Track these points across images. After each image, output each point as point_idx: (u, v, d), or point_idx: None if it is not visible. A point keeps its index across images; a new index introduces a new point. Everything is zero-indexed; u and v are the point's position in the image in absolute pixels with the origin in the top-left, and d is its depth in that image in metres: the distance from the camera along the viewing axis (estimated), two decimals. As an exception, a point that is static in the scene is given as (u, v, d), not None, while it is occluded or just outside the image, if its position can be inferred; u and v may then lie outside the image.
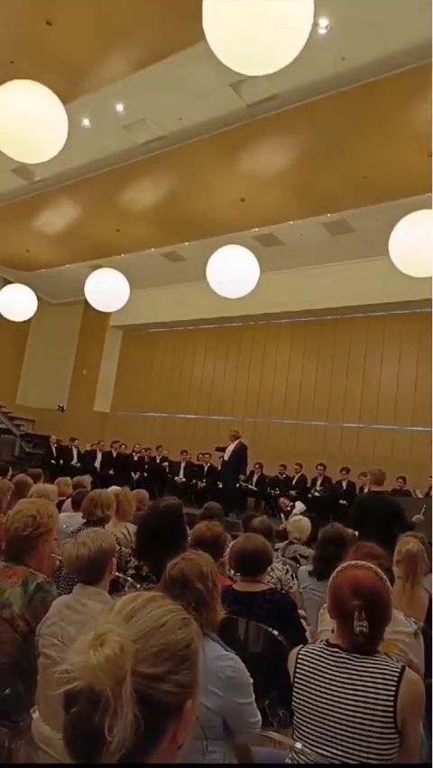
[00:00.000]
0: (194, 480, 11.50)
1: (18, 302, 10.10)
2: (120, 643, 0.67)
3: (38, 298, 10.39)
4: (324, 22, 6.33)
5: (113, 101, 8.17)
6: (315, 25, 5.86)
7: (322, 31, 6.42)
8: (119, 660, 0.66)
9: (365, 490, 7.82)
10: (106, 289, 8.81)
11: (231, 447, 10.38)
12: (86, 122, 8.59)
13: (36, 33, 6.97)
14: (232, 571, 2.96)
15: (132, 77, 7.60)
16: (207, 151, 8.75)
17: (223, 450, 10.86)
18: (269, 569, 3.06)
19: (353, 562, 1.74)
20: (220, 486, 10.77)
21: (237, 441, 10.41)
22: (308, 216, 10.16)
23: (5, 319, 10.79)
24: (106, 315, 14.12)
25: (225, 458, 10.33)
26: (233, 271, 7.66)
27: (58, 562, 3.06)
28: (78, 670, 0.65)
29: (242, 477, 10.70)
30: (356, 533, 3.98)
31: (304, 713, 1.60)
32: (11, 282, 12.88)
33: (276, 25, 3.66)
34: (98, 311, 10.17)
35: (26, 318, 10.90)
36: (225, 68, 4.14)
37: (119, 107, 8.29)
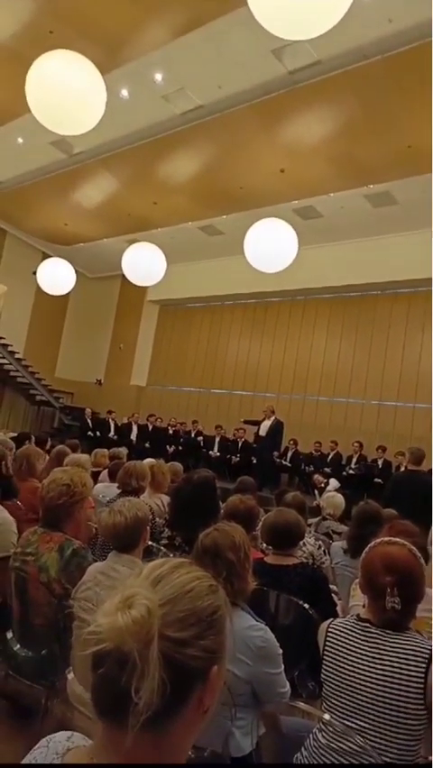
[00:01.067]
0: (228, 455, 11.58)
1: (57, 276, 10.23)
2: (147, 606, 0.68)
3: (76, 272, 10.48)
4: (371, -19, 6.06)
5: (151, 71, 8.04)
6: (361, -15, 5.65)
7: (369, -9, 6.15)
8: (146, 622, 0.67)
9: (402, 468, 7.71)
10: (143, 264, 8.81)
11: (267, 423, 10.41)
12: (124, 92, 8.50)
13: (75, 2, 6.89)
14: (264, 545, 2.98)
15: (171, 46, 7.46)
16: (246, 121, 8.56)
17: (252, 423, 10.91)
18: (301, 543, 3.06)
19: (386, 539, 1.72)
20: (254, 461, 10.82)
21: (273, 417, 10.43)
22: (350, 188, 9.88)
23: (45, 293, 10.95)
24: (143, 289, 14.17)
25: (262, 434, 10.37)
26: (270, 245, 7.54)
27: (94, 529, 3.13)
28: (105, 631, 0.66)
29: (276, 453, 10.74)
30: (395, 512, 3.92)
31: (333, 685, 1.61)
32: (50, 256, 13.03)
33: (320, -14, 3.53)
34: (135, 285, 10.19)
35: (65, 292, 11.04)
36: (267, 34, 4.03)
37: (158, 77, 8.16)
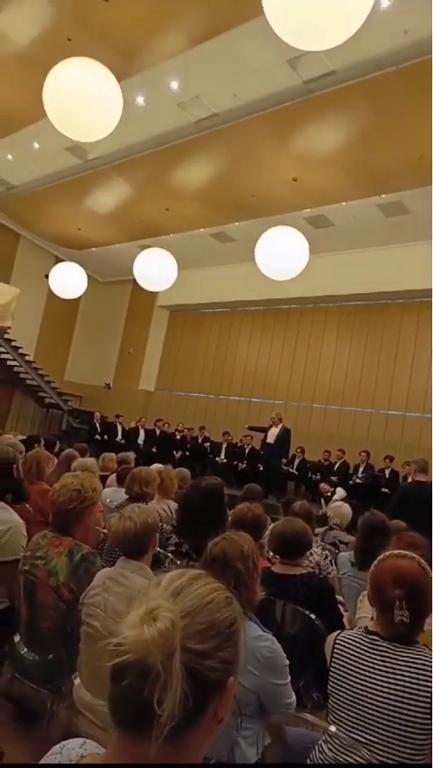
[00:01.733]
0: (235, 462, 11.57)
1: (69, 280, 10.29)
2: (171, 618, 0.69)
3: (88, 277, 10.55)
4: (387, -6, 6.09)
5: (167, 78, 8.11)
6: (377, -2, 5.68)
7: (385, 3, 6.18)
8: (171, 635, 0.68)
9: (409, 479, 7.68)
10: (155, 269, 8.85)
11: (275, 430, 10.40)
12: (140, 100, 8.57)
13: (93, 10, 6.96)
14: (271, 553, 2.97)
15: (187, 54, 7.52)
16: (261, 129, 8.60)
17: (258, 429, 10.90)
18: (307, 553, 3.06)
19: (396, 552, 1.72)
20: (261, 468, 10.81)
21: (281, 424, 10.42)
22: (362, 197, 9.90)
23: (56, 296, 11.02)
24: (154, 294, 14.23)
25: (270, 441, 10.36)
26: (282, 253, 7.56)
27: (102, 534, 3.14)
28: (130, 643, 0.67)
29: (284, 461, 10.72)
30: (404, 523, 3.91)
31: (340, 697, 1.61)
32: (62, 260, 13.12)
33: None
34: (146, 290, 10.24)
35: (76, 296, 11.11)
36: (282, 44, 4.05)
37: (173, 85, 8.23)
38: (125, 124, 6.22)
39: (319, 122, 8.30)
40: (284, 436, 10.38)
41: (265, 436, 10.58)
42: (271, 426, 10.56)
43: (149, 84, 8.20)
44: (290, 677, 1.77)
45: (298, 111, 8.05)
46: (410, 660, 1.54)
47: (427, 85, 7.06)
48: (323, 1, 3.53)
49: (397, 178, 9.15)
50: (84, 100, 5.18)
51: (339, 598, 3.21)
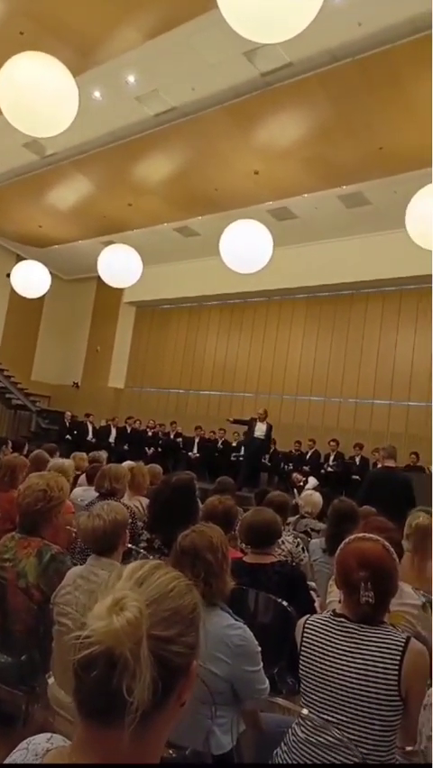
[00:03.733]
0: (208, 456, 11.59)
1: (32, 278, 10.12)
2: (138, 607, 0.70)
3: (51, 275, 10.39)
4: (340, -15, 6.13)
5: (124, 72, 8.03)
6: (330, -11, 5.71)
7: (338, -5, 6.23)
8: (139, 623, 0.69)
9: (378, 466, 7.82)
10: (119, 265, 8.78)
11: (262, 426, 10.39)
12: (97, 94, 8.47)
13: (46, 3, 6.84)
14: (243, 544, 3.00)
15: (143, 48, 7.45)
16: (221, 123, 8.60)
17: (241, 422, 10.88)
18: (280, 541, 3.10)
19: (360, 535, 1.76)
20: (234, 460, 10.87)
21: (266, 419, 10.48)
22: (324, 189, 9.99)
23: (19, 296, 10.83)
24: (120, 291, 14.11)
25: (260, 436, 10.35)
26: (246, 246, 7.58)
27: (73, 533, 3.12)
28: (99, 635, 0.67)
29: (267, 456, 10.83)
30: (373, 509, 3.98)
31: (311, 680, 1.64)
32: (24, 259, 12.90)
33: (289, -10, 3.56)
34: (111, 287, 10.15)
35: (40, 295, 10.93)
36: (239, 36, 4.05)
37: (131, 78, 8.15)
38: (83, 119, 6.14)
39: (279, 114, 8.34)
40: (270, 432, 10.50)
41: (251, 431, 10.55)
42: (256, 420, 10.59)
43: (105, 78, 8.11)
44: (262, 663, 1.80)
45: (256, 104, 8.07)
46: (377, 639, 1.58)
47: (383, 76, 7.16)
48: (276, -8, 3.53)
49: (357, 170, 9.26)
50: (38, 95, 5.08)
51: (312, 584, 3.26)
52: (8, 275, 10.56)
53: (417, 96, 7.39)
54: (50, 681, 2.05)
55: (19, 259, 13.74)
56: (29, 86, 5.07)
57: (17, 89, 5.07)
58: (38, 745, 0.81)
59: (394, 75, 7.12)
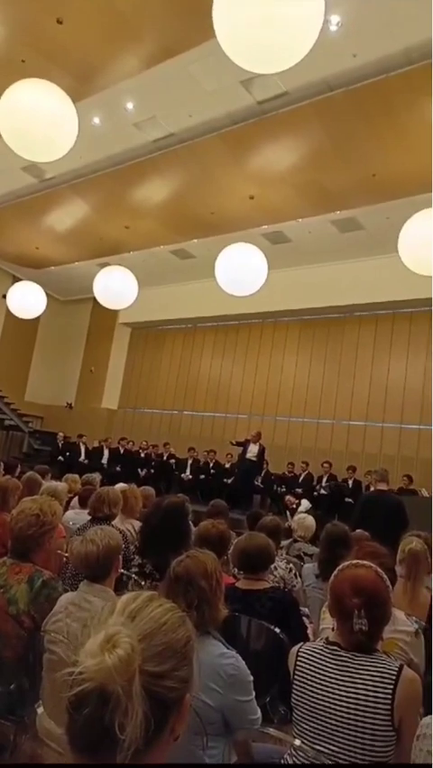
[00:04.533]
0: (201, 477, 11.54)
1: (27, 299, 10.17)
2: (131, 644, 0.70)
3: (47, 296, 10.45)
4: (335, 19, 6.30)
5: (123, 99, 8.18)
6: (326, 22, 5.87)
7: (333, 28, 6.40)
8: (131, 660, 0.69)
9: (371, 489, 7.82)
10: (115, 287, 8.85)
11: (255, 448, 10.45)
12: (96, 120, 8.61)
13: (47, 32, 6.99)
14: (235, 569, 2.98)
15: (142, 75, 7.61)
16: (216, 149, 8.75)
17: (240, 444, 10.92)
18: (272, 567, 3.08)
19: (354, 561, 1.76)
20: (227, 482, 10.84)
21: (259, 441, 10.54)
22: (318, 214, 10.13)
23: (15, 316, 10.87)
24: (115, 312, 14.19)
25: (252, 458, 10.42)
26: (241, 269, 7.66)
27: (64, 558, 3.10)
28: (92, 672, 0.67)
29: (259, 477, 10.82)
30: (367, 533, 3.97)
31: (303, 710, 1.63)
32: (20, 280, 12.96)
33: (287, 23, 3.66)
34: (107, 308, 10.21)
35: (35, 316, 10.98)
36: (236, 66, 4.15)
37: (129, 105, 8.30)
38: (82, 144, 6.25)
39: (274, 141, 8.49)
40: (263, 453, 10.54)
41: (245, 452, 10.61)
42: (249, 442, 10.65)
43: (105, 105, 8.25)
44: (254, 693, 1.78)
45: (252, 131, 8.22)
46: (370, 668, 1.57)
47: (376, 105, 7.33)
48: (273, 25, 3.63)
49: (350, 196, 9.41)
50: (39, 121, 5.18)
51: (305, 610, 3.24)
52: (4, 296, 10.61)
53: (409, 125, 7.56)
54: (40, 710, 2.02)
55: (15, 280, 13.80)
56: (29, 111, 5.17)
57: (18, 115, 5.17)
58: None
59: (387, 104, 7.29)
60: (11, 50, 7.37)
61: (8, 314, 11.64)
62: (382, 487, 5.29)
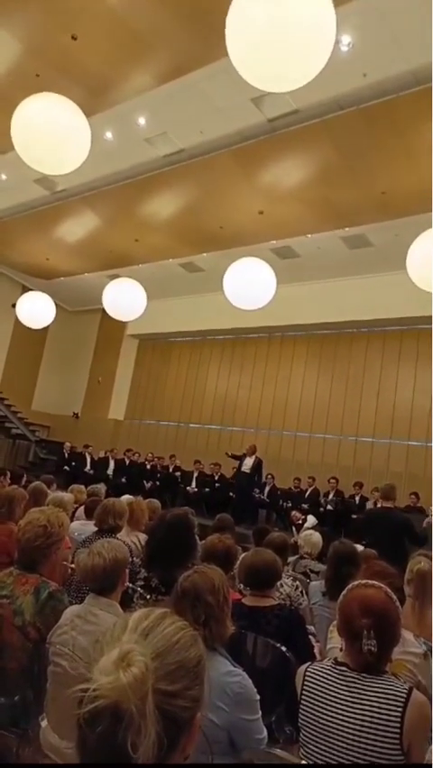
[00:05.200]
0: (207, 489, 11.50)
1: (37, 309, 10.23)
2: (144, 662, 0.70)
3: (56, 306, 10.51)
4: (346, 39, 6.38)
5: (135, 114, 8.29)
6: (337, 42, 5.94)
7: (344, 48, 6.47)
8: (145, 678, 0.68)
9: (378, 504, 7.76)
10: (124, 299, 8.88)
11: (249, 461, 10.47)
12: (108, 135, 8.72)
13: (61, 47, 7.11)
14: (241, 585, 2.96)
15: (154, 92, 7.72)
16: (227, 165, 8.83)
17: (236, 457, 10.94)
18: (278, 584, 3.06)
19: (363, 582, 1.74)
20: (232, 495, 10.80)
21: (255, 455, 10.53)
22: (326, 230, 10.19)
23: (24, 326, 10.93)
24: (123, 323, 14.23)
25: (246, 470, 10.43)
26: (249, 283, 7.68)
27: (70, 570, 3.08)
28: (106, 690, 0.67)
29: (256, 490, 10.78)
30: (374, 551, 3.93)
31: (310, 731, 1.60)
32: (30, 289, 13.06)
33: (299, 43, 3.69)
34: (115, 320, 10.25)
35: (44, 325, 11.03)
36: (247, 84, 4.19)
37: (141, 121, 8.41)
38: (94, 158, 6.30)
39: (284, 158, 8.57)
40: (258, 466, 10.50)
41: (240, 465, 10.64)
42: (245, 456, 10.65)
43: (117, 119, 8.36)
44: (261, 712, 1.76)
45: (263, 147, 8.30)
46: (378, 690, 1.55)
47: (386, 124, 7.39)
48: (285, 44, 3.67)
49: (359, 213, 9.46)
50: (52, 134, 5.24)
51: (311, 628, 3.20)
52: (14, 305, 10.68)
53: (418, 144, 7.61)
54: (44, 723, 2.00)
55: (25, 289, 13.91)
56: (43, 125, 5.23)
57: (32, 129, 5.24)
58: None
59: (397, 123, 7.35)
60: (26, 64, 7.51)
61: (17, 323, 11.71)
62: (388, 504, 5.23)
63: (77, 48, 7.07)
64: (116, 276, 10.77)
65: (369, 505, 9.73)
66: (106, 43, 6.98)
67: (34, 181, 10.14)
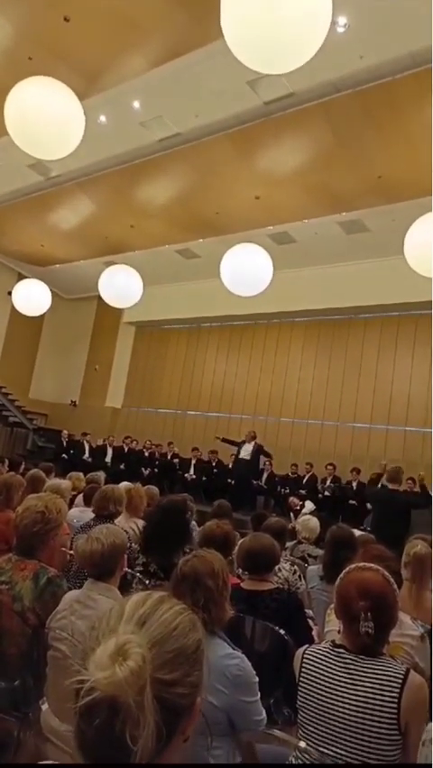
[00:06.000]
0: (204, 478, 11.54)
1: (32, 297, 10.16)
2: (141, 654, 0.68)
3: (52, 294, 10.45)
4: (342, 20, 6.28)
5: (130, 98, 8.18)
6: (333, 24, 5.84)
7: (340, 29, 6.38)
8: (143, 671, 0.67)
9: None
10: (120, 285, 8.83)
11: (249, 447, 10.48)
12: (102, 119, 8.61)
13: (54, 30, 7.00)
14: (240, 570, 2.98)
15: (149, 75, 7.61)
16: (223, 149, 8.74)
17: (229, 442, 10.96)
18: (276, 569, 3.07)
19: (360, 564, 1.75)
20: (231, 482, 10.83)
21: (254, 441, 10.55)
22: (324, 215, 10.12)
23: (20, 314, 10.87)
24: (120, 311, 14.19)
25: (246, 457, 10.45)
26: (246, 269, 7.64)
27: (69, 556, 3.09)
28: (102, 685, 0.66)
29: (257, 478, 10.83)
30: (372, 536, 3.97)
31: (308, 712, 1.62)
32: (25, 277, 12.98)
33: (294, 24, 3.64)
34: (111, 307, 10.20)
35: (40, 313, 10.98)
36: (243, 66, 4.14)
37: (136, 104, 8.30)
38: (88, 143, 6.23)
39: (280, 142, 8.49)
40: (258, 453, 10.52)
41: (239, 452, 10.65)
42: (244, 442, 10.67)
43: (111, 103, 8.25)
44: (259, 694, 1.77)
45: (259, 131, 8.21)
46: (376, 671, 1.56)
47: (383, 107, 7.32)
48: (281, 25, 3.62)
49: (356, 197, 9.39)
50: (45, 118, 5.17)
51: (309, 612, 3.23)
52: (9, 293, 10.62)
53: (416, 127, 7.54)
54: (44, 707, 2.02)
55: (20, 277, 13.83)
56: (36, 109, 5.16)
57: (25, 113, 5.17)
58: None
59: (394, 106, 7.28)
60: (18, 47, 7.39)
61: (13, 311, 11.65)
62: (394, 486, 5.33)
63: (70, 30, 6.96)
64: (112, 263, 10.70)
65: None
66: (100, 25, 6.87)
67: (28, 166, 10.02)
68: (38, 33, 7.17)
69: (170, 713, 0.69)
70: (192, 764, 1.57)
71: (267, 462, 11.18)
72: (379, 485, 5.80)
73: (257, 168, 9.16)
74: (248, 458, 10.48)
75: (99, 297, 9.39)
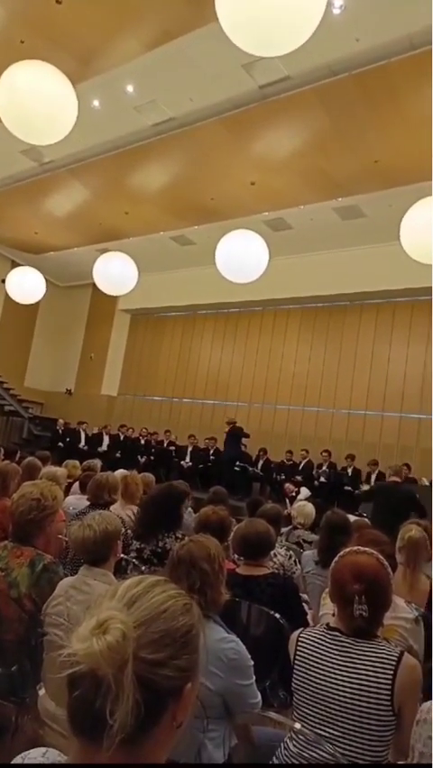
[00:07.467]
0: (200, 465, 11.58)
1: (26, 285, 10.10)
2: (122, 630, 0.69)
3: (46, 281, 10.38)
4: (338, 2, 6.21)
5: (123, 82, 8.08)
6: (329, 5, 5.78)
7: (336, 11, 6.30)
8: (121, 647, 0.67)
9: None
10: (115, 273, 8.78)
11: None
12: (96, 103, 8.51)
13: (46, 12, 6.88)
14: (236, 555, 3.00)
15: (143, 58, 7.50)
16: (217, 133, 8.66)
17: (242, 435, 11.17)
18: (272, 554, 3.09)
19: (355, 548, 1.76)
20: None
21: (230, 426, 10.75)
22: (319, 201, 10.05)
23: (14, 302, 10.81)
24: (114, 298, 14.14)
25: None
26: (242, 256, 7.61)
27: (65, 543, 3.11)
28: (80, 656, 0.67)
29: (243, 461, 10.92)
30: (367, 521, 4.07)
31: (303, 694, 1.64)
32: (19, 265, 12.89)
33: (289, 5, 3.60)
34: (106, 294, 10.15)
35: (35, 301, 10.91)
36: (238, 49, 4.09)
37: (129, 88, 8.20)
38: (81, 128, 6.17)
39: (276, 126, 8.41)
40: (231, 437, 10.67)
41: (225, 440, 10.84)
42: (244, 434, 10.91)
43: (104, 87, 8.15)
44: (255, 677, 1.79)
45: (254, 115, 8.13)
46: (370, 653, 1.58)
47: (380, 91, 7.25)
48: (275, 7, 3.57)
49: (353, 183, 9.33)
50: (38, 103, 5.11)
51: (304, 596, 3.26)
52: (3, 281, 10.55)
53: (413, 111, 7.48)
54: (41, 692, 2.04)
55: (14, 265, 13.71)
56: (28, 94, 5.09)
57: (17, 97, 5.10)
58: (33, 759, 0.80)
59: (391, 90, 7.20)
60: (9, 30, 7.27)
61: (7, 299, 11.57)
62: (396, 478, 5.58)
63: (62, 13, 6.84)
64: (106, 250, 10.64)
65: (364, 476, 9.82)
66: (93, 7, 6.76)
67: (21, 152, 9.91)
68: (30, 16, 7.05)
69: (153, 694, 0.70)
70: (192, 764, 1.59)
71: (261, 451, 11.26)
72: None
73: (252, 153, 9.08)
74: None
75: (94, 285, 9.35)
